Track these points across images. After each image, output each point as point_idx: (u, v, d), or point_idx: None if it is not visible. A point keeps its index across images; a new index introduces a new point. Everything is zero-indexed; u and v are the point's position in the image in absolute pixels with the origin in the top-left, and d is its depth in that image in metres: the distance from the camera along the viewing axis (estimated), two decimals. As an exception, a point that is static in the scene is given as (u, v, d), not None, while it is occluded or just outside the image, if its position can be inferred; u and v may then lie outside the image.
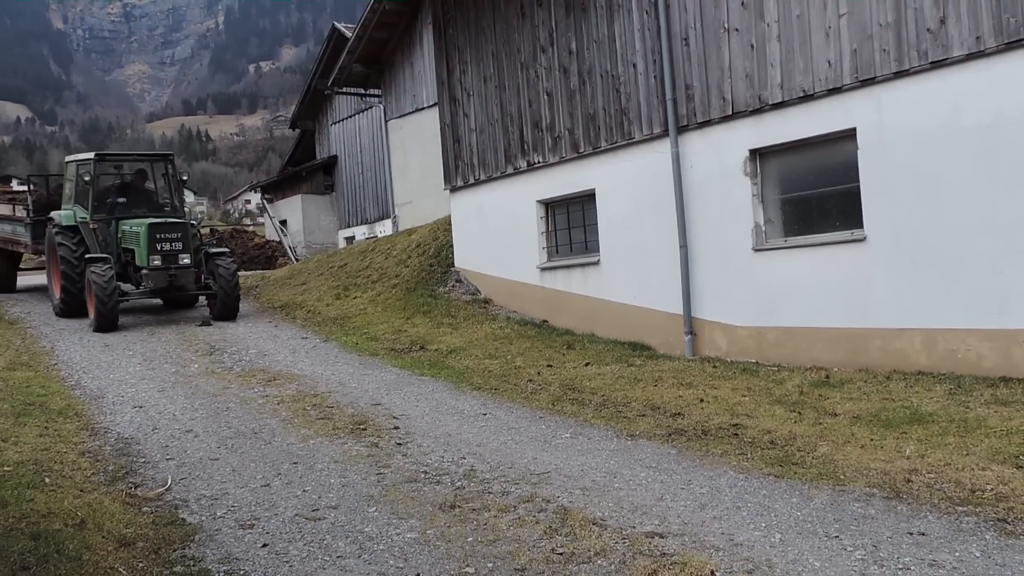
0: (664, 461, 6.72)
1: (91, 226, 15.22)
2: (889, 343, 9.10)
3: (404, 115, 23.37)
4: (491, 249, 14.73)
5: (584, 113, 12.62)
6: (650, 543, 5.00)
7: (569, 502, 5.78)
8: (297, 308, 16.06)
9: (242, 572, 4.79)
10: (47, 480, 6.29)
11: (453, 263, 15.82)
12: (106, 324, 13.85)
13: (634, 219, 11.95)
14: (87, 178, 15.14)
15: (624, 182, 12.08)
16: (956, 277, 8.51)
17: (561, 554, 4.88)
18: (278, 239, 32.30)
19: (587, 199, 12.88)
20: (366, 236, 27.40)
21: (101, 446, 7.56)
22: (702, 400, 8.54)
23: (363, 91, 24.92)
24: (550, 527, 5.31)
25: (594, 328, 12.46)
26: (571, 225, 13.46)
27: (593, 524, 5.33)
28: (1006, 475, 5.77)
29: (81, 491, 6.12)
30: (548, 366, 10.66)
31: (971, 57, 8.29)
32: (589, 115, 12.54)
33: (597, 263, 12.65)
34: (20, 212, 18.52)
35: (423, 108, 22.13)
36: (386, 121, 24.30)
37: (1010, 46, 8.00)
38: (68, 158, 16.88)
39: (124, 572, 4.70)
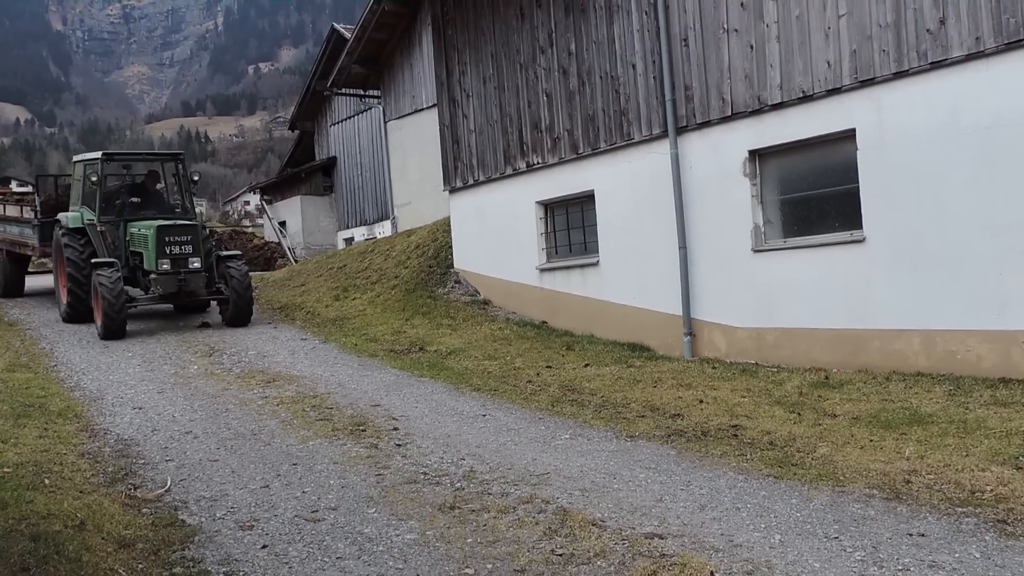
0: (663, 462, 6.72)
1: (99, 228, 14.82)
2: (888, 344, 9.11)
3: (403, 116, 23.37)
4: (490, 250, 14.73)
5: (583, 114, 12.63)
6: (649, 544, 4.99)
7: (568, 503, 5.78)
8: (296, 309, 16.05)
9: (242, 573, 4.79)
10: (47, 481, 6.29)
11: (452, 264, 15.82)
12: (114, 332, 13.42)
13: (633, 220, 11.95)
14: (94, 178, 14.75)
15: (623, 183, 12.09)
16: (955, 278, 8.51)
17: (560, 555, 4.88)
18: (277, 240, 32.28)
19: (586, 200, 12.88)
20: (365, 237, 27.38)
21: (101, 447, 7.56)
22: (701, 401, 8.54)
23: (362, 92, 24.91)
24: (549, 528, 5.31)
25: (593, 329, 12.46)
26: (570, 226, 13.46)
27: (592, 525, 5.33)
28: (1006, 476, 5.77)
29: (81, 492, 6.11)
30: (547, 367, 10.66)
31: (971, 58, 8.29)
32: (588, 116, 12.54)
33: (596, 264, 12.65)
34: (28, 214, 17.90)
35: (422, 109, 22.14)
36: (385, 122, 24.31)
37: (1010, 47, 8.00)
38: (76, 158, 16.40)
39: (124, 573, 4.69)
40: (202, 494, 6.23)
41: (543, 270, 13.68)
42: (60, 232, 15.23)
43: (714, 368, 10.11)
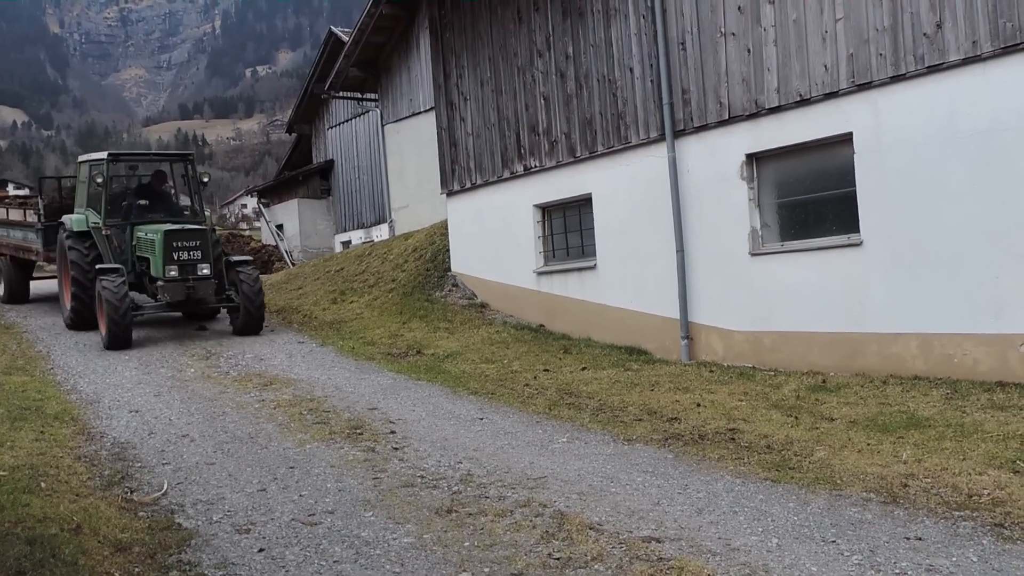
0: (661, 465, 6.72)
1: (104, 232, 14.16)
2: (885, 348, 9.11)
3: (401, 119, 23.36)
4: (488, 253, 14.73)
5: (581, 117, 12.64)
6: (647, 548, 4.99)
7: (566, 506, 5.77)
8: (293, 312, 16.04)
9: (238, 577, 4.78)
10: (43, 485, 6.27)
11: (450, 267, 15.82)
12: (119, 341, 12.71)
13: (631, 223, 11.95)
14: (100, 180, 14.02)
15: (621, 186, 12.09)
16: (952, 282, 8.52)
17: (558, 559, 4.87)
18: (274, 243, 32.28)
19: (584, 203, 12.88)
20: (363, 240, 27.37)
21: (97, 451, 7.54)
22: (699, 405, 8.54)
23: (360, 95, 24.92)
24: (547, 532, 5.30)
25: (591, 332, 12.46)
26: (568, 229, 13.47)
27: (590, 529, 5.32)
28: (1003, 480, 5.77)
29: (77, 496, 6.10)
30: (545, 370, 10.65)
31: (967, 62, 8.31)
32: (586, 119, 12.55)
33: (594, 267, 12.65)
34: (31, 217, 17.23)
35: (420, 112, 22.13)
36: (383, 125, 24.29)
37: (1006, 50, 8.02)
38: (81, 158, 15.73)
39: (119, 577, 4.68)
40: (199, 497, 6.22)
41: (540, 273, 13.68)
42: (64, 236, 14.64)
43: (711, 372, 10.11)
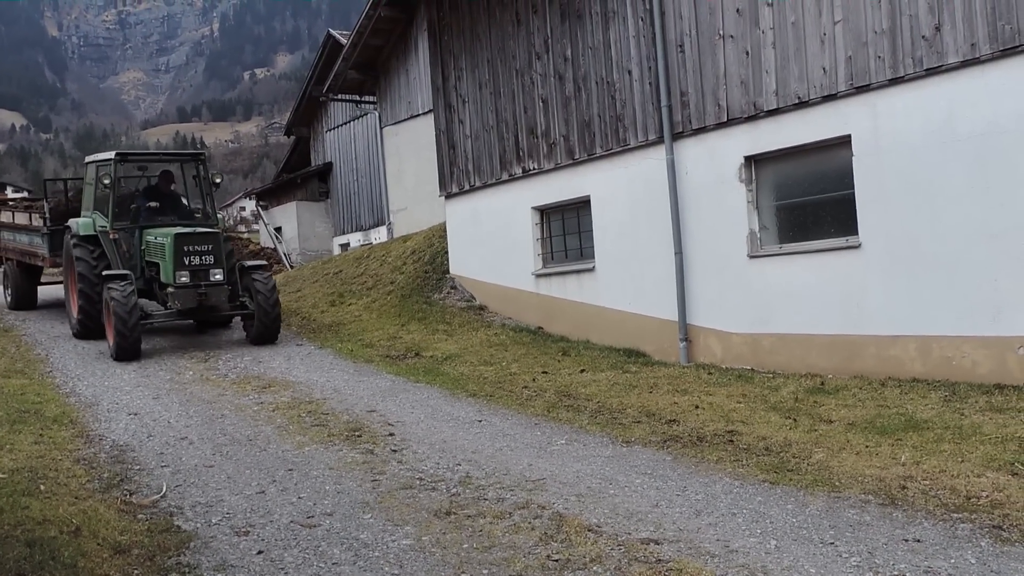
0: (659, 468, 6.72)
1: (112, 236, 13.50)
2: (884, 350, 9.12)
3: (399, 122, 23.37)
4: (486, 256, 14.73)
5: (579, 120, 12.65)
6: (645, 550, 4.99)
7: (564, 509, 5.78)
8: (292, 315, 16.03)
9: (237, 579, 4.78)
10: (42, 487, 6.28)
11: (448, 270, 15.82)
12: (127, 352, 12.10)
13: (629, 226, 11.96)
14: (107, 181, 13.34)
15: (619, 189, 12.10)
16: (950, 284, 8.53)
17: (556, 561, 4.88)
18: (273, 246, 32.28)
19: (582, 206, 12.89)
20: (361, 243, 27.38)
21: (96, 453, 7.54)
22: (697, 407, 8.54)
23: (358, 98, 24.91)
24: (545, 534, 5.30)
25: (589, 335, 12.47)
26: (566, 232, 13.48)
27: (588, 531, 5.32)
28: (1001, 482, 5.78)
29: (76, 498, 6.10)
30: (543, 373, 10.66)
31: (966, 64, 8.32)
32: (584, 122, 12.56)
33: (592, 270, 12.65)
34: (37, 221, 16.44)
35: (418, 115, 22.13)
36: (381, 128, 24.30)
37: (1005, 53, 8.03)
38: (88, 158, 15.02)
39: (118, 579, 4.68)
40: (198, 500, 6.22)
41: (539, 275, 13.69)
42: (71, 240, 13.98)
43: (710, 374, 10.12)
